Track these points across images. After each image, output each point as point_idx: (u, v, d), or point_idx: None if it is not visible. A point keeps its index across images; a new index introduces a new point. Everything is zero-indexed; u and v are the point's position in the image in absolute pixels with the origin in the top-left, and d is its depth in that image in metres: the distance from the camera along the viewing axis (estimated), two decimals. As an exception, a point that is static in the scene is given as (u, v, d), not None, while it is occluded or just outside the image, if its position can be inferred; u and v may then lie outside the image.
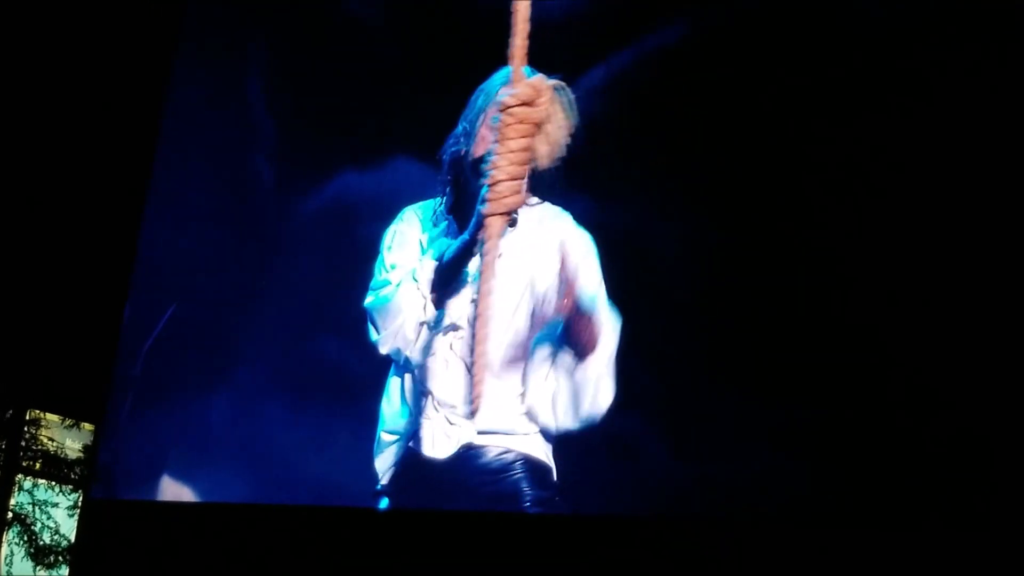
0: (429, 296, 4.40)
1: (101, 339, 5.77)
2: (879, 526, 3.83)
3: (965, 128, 3.96)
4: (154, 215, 5.67)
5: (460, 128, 4.50)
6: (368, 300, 4.58)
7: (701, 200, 4.39)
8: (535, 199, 4.42)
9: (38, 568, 5.85)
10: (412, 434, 4.52)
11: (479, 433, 4.41)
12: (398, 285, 4.46)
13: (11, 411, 6.15)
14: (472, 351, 3.37)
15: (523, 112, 3.35)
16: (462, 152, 4.42)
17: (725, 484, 4.08)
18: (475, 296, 4.44)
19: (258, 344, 5.19)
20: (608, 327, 4.26)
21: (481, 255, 3.37)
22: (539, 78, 3.40)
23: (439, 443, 4.46)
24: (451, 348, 4.46)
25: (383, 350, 4.52)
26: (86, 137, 5.92)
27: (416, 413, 4.49)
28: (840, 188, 4.11)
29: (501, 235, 3.40)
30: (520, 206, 3.43)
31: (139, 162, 5.69)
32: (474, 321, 3.30)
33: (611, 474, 4.31)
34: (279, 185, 5.28)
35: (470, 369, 4.33)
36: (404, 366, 4.57)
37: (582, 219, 4.50)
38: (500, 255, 3.35)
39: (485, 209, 3.36)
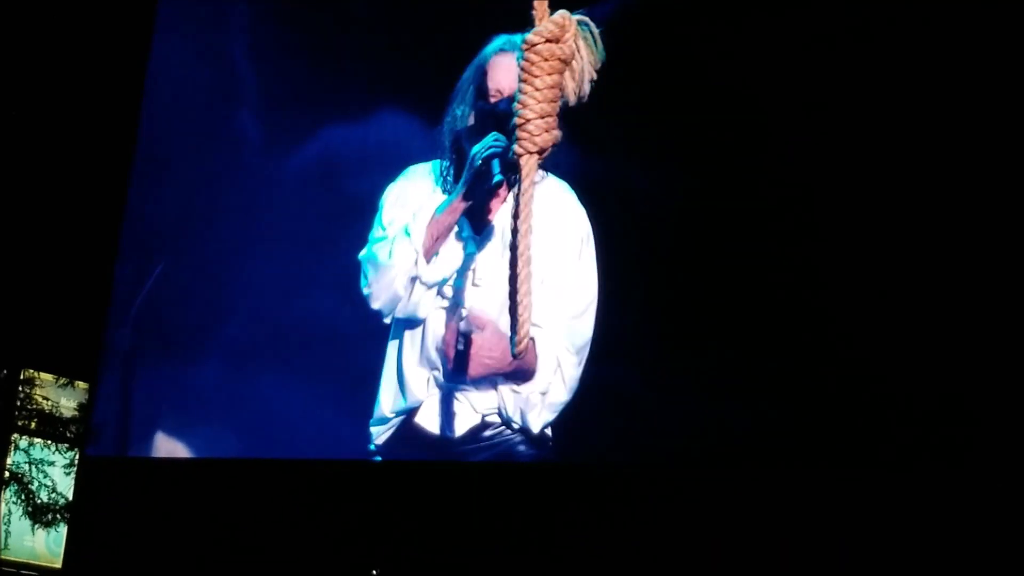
0: (420, 251, 4.40)
1: (93, 298, 5.77)
2: (854, 465, 3.88)
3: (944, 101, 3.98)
4: (141, 174, 5.66)
5: (458, 109, 4.43)
6: (362, 252, 4.60)
7: (687, 150, 4.38)
8: (540, 173, 4.38)
9: (36, 526, 5.89)
10: (414, 410, 4.53)
11: (484, 416, 4.44)
12: (392, 239, 4.46)
13: (5, 371, 6.17)
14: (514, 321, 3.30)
15: (549, 49, 3.26)
16: (458, 127, 4.42)
17: (710, 430, 4.11)
18: (473, 265, 4.45)
19: (248, 302, 5.20)
20: (545, 362, 4.31)
21: (515, 196, 3.29)
22: (563, 14, 3.31)
23: (447, 422, 4.45)
24: (460, 327, 4.44)
25: (375, 304, 4.50)
26: (71, 100, 5.89)
27: (420, 390, 4.51)
28: (824, 144, 4.11)
29: (533, 174, 3.31)
30: (554, 143, 3.33)
31: (125, 123, 5.67)
32: (513, 264, 3.22)
33: (602, 424, 4.34)
34: (265, 141, 5.26)
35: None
36: (403, 333, 4.58)
37: (566, 170, 4.52)
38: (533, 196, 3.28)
39: (517, 148, 3.27)
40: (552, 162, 4.47)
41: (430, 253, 4.37)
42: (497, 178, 4.15)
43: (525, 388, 4.30)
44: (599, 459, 4.39)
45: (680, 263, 4.30)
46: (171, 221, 5.45)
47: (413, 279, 4.40)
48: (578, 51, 3.32)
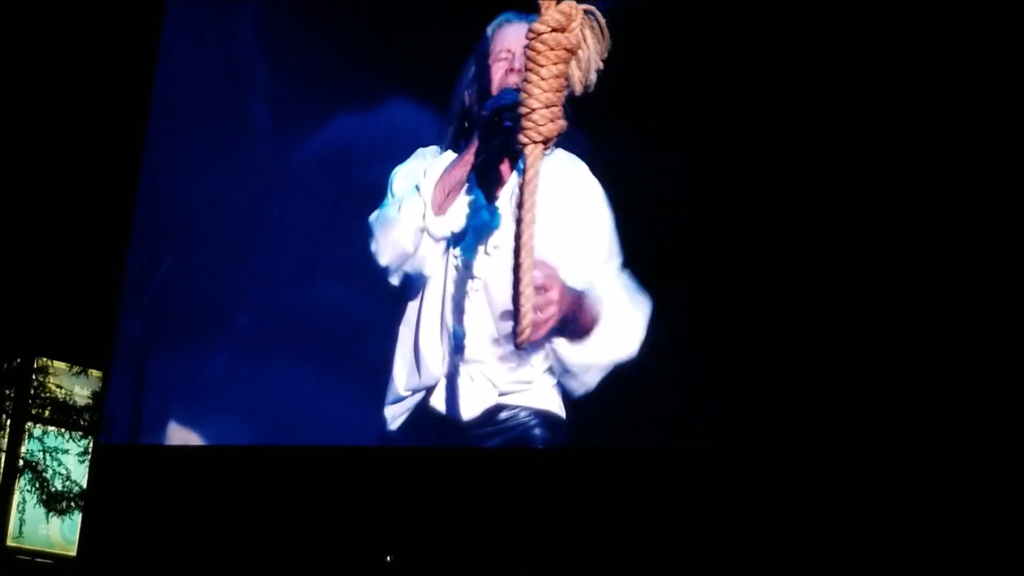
0: (430, 203, 4.41)
1: (105, 287, 5.79)
2: (865, 449, 3.89)
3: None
4: (152, 163, 5.66)
5: (464, 77, 4.50)
6: (372, 216, 4.57)
7: (696, 136, 4.38)
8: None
9: (51, 514, 5.91)
10: (430, 389, 4.52)
11: (501, 395, 4.43)
12: (401, 198, 4.47)
13: (19, 359, 6.18)
14: (515, 291, 3.31)
15: (555, 38, 3.27)
16: (466, 100, 4.47)
17: (723, 414, 4.11)
18: (486, 233, 4.45)
19: (260, 290, 5.21)
20: (611, 313, 4.29)
21: (520, 185, 3.30)
22: (569, 3, 3.32)
23: (462, 404, 4.46)
24: (470, 298, 4.44)
25: (382, 260, 4.50)
26: (79, 92, 5.90)
27: (436, 366, 4.53)
28: (838, 125, 4.10)
29: (538, 164, 3.32)
30: (559, 133, 3.34)
31: (135, 113, 5.67)
32: (517, 253, 3.24)
33: (617, 408, 4.35)
34: (275, 130, 5.26)
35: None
36: (420, 305, 4.58)
37: (580, 154, 4.52)
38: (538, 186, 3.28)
39: (522, 137, 3.27)
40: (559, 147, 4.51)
41: (441, 209, 4.37)
42: (507, 124, 4.13)
43: (582, 344, 4.29)
44: (614, 444, 4.40)
45: (691, 248, 4.30)
46: (182, 210, 5.46)
47: (421, 231, 4.39)
48: (584, 40, 3.32)
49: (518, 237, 3.21)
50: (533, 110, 3.23)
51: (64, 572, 6.06)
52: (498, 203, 4.38)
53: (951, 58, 3.92)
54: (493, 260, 4.37)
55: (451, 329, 4.42)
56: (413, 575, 4.64)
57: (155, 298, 5.46)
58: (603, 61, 3.34)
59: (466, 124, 4.47)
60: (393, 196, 4.53)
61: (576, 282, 4.27)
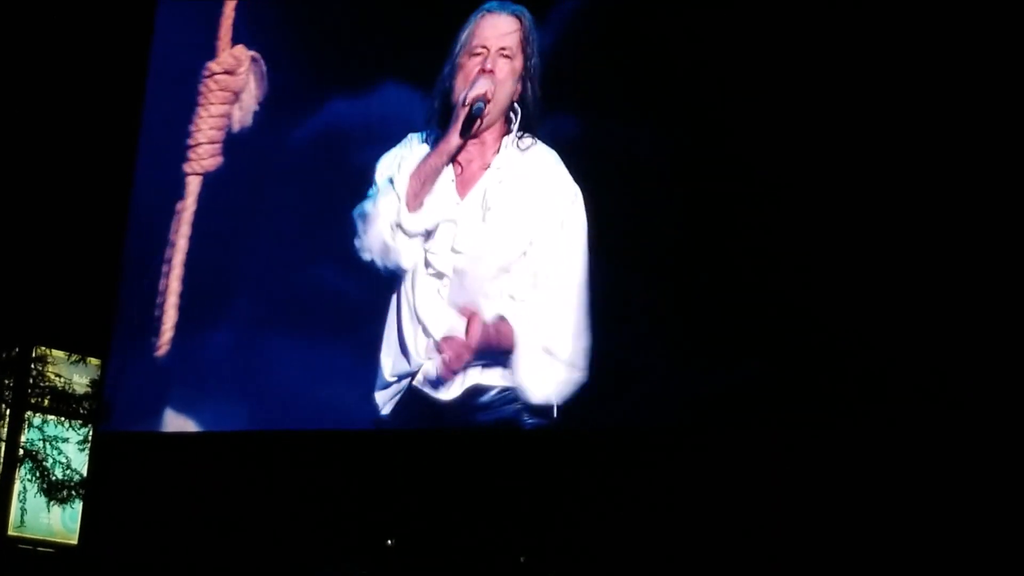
0: (403, 199, 4.55)
1: (103, 275, 5.80)
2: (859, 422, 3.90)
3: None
4: (148, 151, 5.66)
5: (446, 69, 4.62)
6: (355, 209, 4.73)
7: (686, 113, 4.38)
8: (528, 140, 4.54)
9: (52, 503, 5.89)
10: (414, 374, 4.59)
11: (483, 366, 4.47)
12: (378, 190, 4.66)
13: (17, 348, 6.17)
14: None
15: (225, 80, 3.70)
16: (447, 86, 4.60)
17: (716, 394, 4.11)
18: (454, 230, 4.52)
19: (256, 275, 5.21)
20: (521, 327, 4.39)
21: (179, 212, 3.61)
22: (241, 48, 3.69)
23: (443, 387, 4.53)
24: (439, 293, 4.54)
25: (365, 256, 4.68)
26: (77, 81, 5.90)
27: (417, 353, 4.58)
28: (819, 107, 4.10)
29: (195, 195, 3.65)
30: (217, 167, 3.75)
31: (130, 100, 5.67)
32: (167, 274, 3.48)
33: (608, 389, 4.36)
34: (270, 115, 5.25)
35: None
36: (400, 294, 4.65)
37: (567, 137, 4.53)
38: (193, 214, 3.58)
39: (187, 167, 3.62)
40: (550, 129, 4.53)
41: (415, 202, 4.50)
42: (479, 106, 4.41)
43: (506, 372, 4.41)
44: (602, 426, 4.41)
45: (686, 231, 4.30)
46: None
47: (396, 226, 4.50)
48: (248, 85, 3.76)
49: (168, 260, 3.53)
50: (199, 144, 3.63)
51: (66, 561, 6.05)
52: (467, 201, 4.48)
53: (908, 31, 3.92)
54: (459, 258, 4.46)
55: (424, 321, 4.49)
56: (415, 557, 4.65)
57: (153, 285, 5.46)
58: (260, 105, 3.70)
59: (447, 108, 4.61)
60: (376, 186, 4.67)
61: (498, 308, 4.39)
